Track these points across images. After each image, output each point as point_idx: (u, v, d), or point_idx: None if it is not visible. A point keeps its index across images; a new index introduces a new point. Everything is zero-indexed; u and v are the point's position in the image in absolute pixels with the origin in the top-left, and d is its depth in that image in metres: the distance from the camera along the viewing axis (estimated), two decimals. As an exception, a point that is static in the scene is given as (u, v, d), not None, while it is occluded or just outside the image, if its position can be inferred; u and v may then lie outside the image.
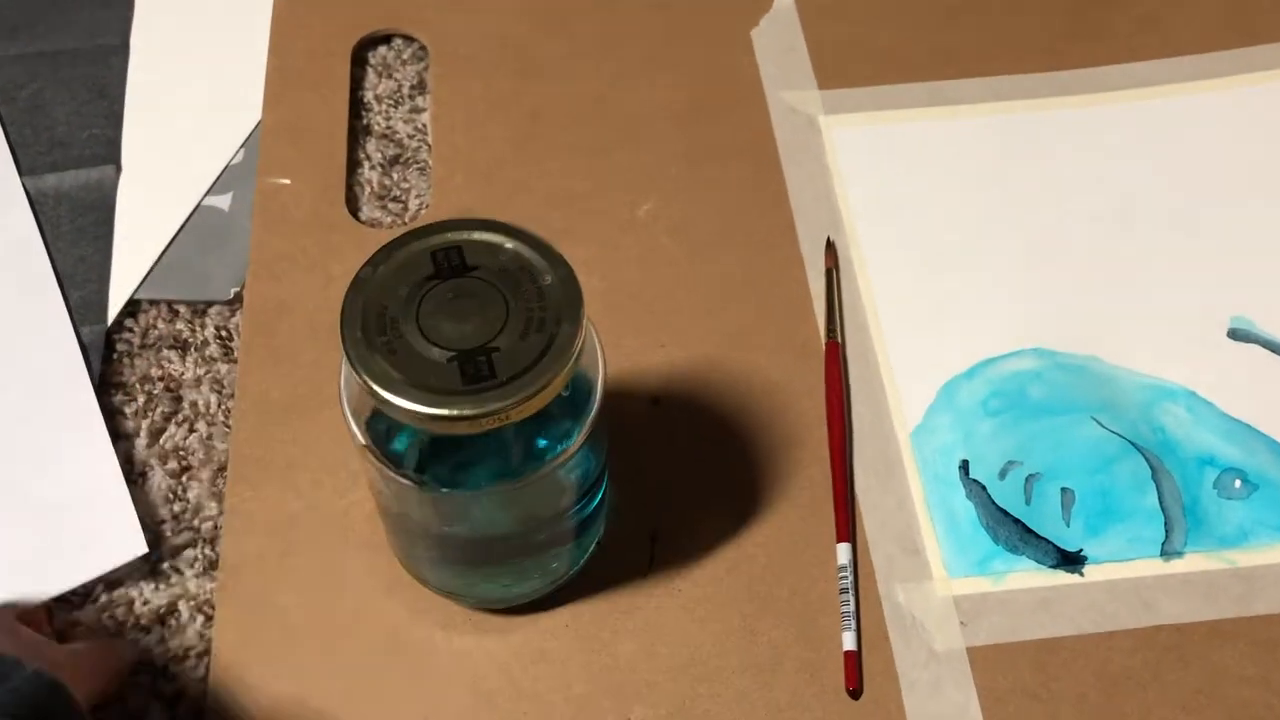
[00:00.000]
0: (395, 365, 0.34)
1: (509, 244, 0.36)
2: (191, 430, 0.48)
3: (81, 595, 0.44)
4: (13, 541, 0.44)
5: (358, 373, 0.34)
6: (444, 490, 0.37)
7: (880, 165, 0.54)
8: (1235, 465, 0.46)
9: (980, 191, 0.54)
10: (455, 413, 0.33)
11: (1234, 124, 0.55)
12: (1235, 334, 0.49)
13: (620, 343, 0.49)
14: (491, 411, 0.33)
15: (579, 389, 0.37)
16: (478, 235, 0.36)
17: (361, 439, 0.37)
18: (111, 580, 0.45)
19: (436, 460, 0.37)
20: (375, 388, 0.33)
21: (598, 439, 0.40)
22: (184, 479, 0.47)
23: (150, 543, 0.45)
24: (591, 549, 0.44)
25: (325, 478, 0.46)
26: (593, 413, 0.37)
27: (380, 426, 0.37)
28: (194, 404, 0.49)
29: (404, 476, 0.36)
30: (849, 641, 0.43)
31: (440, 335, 0.34)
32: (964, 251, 0.52)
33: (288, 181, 0.54)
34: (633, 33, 0.59)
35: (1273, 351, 0.49)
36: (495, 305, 0.35)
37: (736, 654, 0.43)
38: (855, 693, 0.42)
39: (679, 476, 0.46)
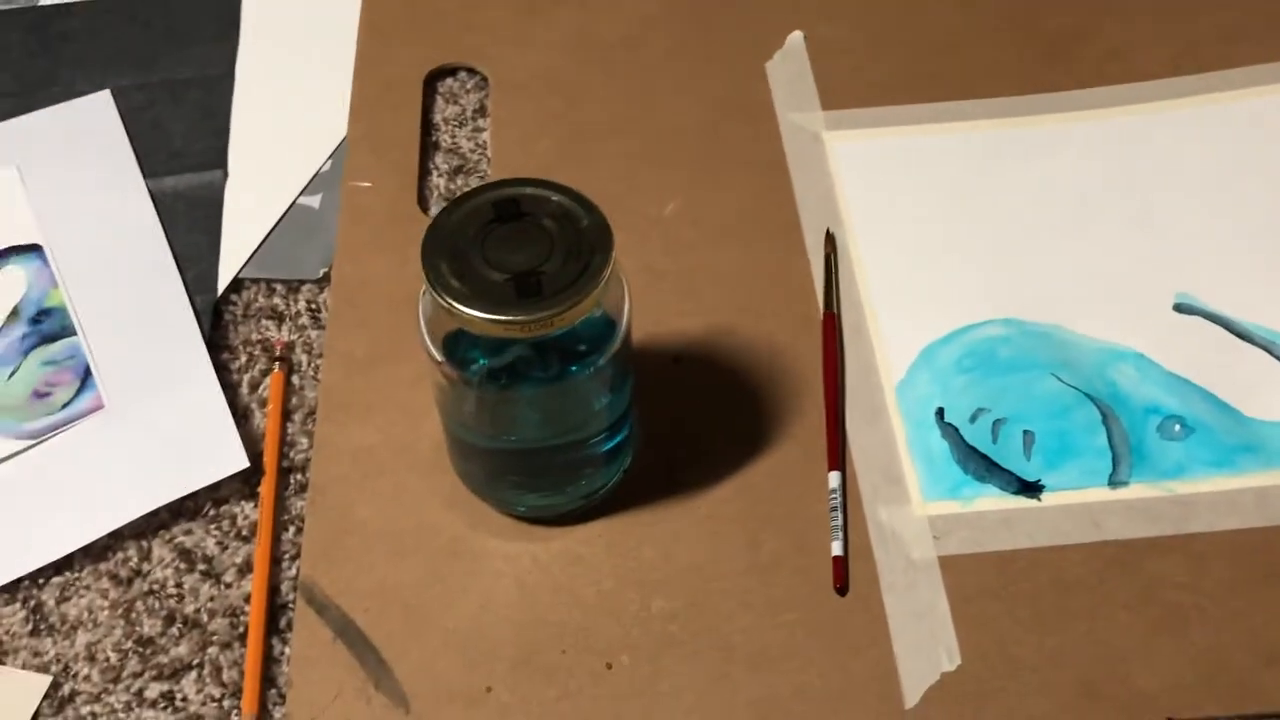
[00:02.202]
0: (464, 284, 0.43)
1: (555, 197, 0.45)
2: (287, 381, 0.57)
3: (193, 510, 0.53)
4: (140, 459, 0.53)
5: (435, 292, 0.43)
6: (498, 388, 0.46)
7: (873, 171, 0.63)
8: (1176, 413, 0.54)
9: (960, 192, 0.62)
10: (510, 318, 0.42)
11: (1180, 138, 0.63)
12: (1180, 308, 0.57)
13: (648, 312, 0.58)
14: (539, 318, 0.42)
15: (607, 322, 0.46)
16: (530, 190, 0.45)
17: (437, 355, 0.45)
18: (219, 498, 0.53)
19: (493, 379, 0.46)
20: (448, 300, 0.42)
21: (623, 373, 0.48)
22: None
23: (250, 471, 0.54)
24: (619, 475, 0.52)
25: (398, 418, 0.55)
26: (618, 340, 0.46)
27: (451, 347, 0.45)
28: (288, 361, 0.58)
29: (466, 381, 0.45)
30: (837, 548, 0.50)
31: (499, 263, 0.43)
32: (944, 241, 0.60)
33: (369, 185, 0.63)
34: (662, 66, 0.68)
35: (1212, 321, 0.57)
36: (543, 241, 0.44)
37: (742, 559, 0.51)
38: (842, 590, 0.49)
39: (696, 421, 0.55)
